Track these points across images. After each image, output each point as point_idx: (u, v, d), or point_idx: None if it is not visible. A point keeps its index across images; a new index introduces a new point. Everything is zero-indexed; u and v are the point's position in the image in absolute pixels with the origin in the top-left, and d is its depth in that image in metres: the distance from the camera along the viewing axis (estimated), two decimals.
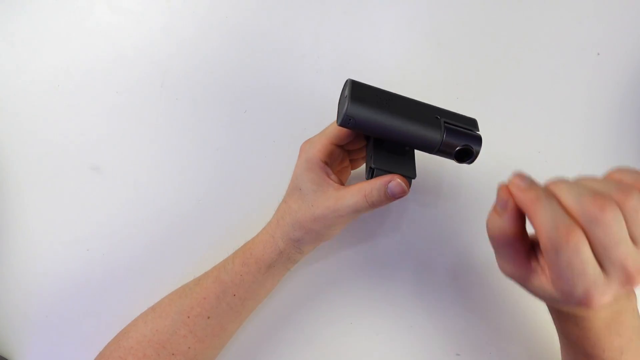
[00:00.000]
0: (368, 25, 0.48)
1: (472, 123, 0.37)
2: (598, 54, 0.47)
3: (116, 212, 0.46)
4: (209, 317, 0.38)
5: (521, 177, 0.28)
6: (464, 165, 0.45)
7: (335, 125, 0.38)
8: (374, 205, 0.35)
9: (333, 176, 0.38)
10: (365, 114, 0.33)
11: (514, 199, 0.28)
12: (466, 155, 0.35)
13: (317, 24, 0.48)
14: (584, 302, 0.25)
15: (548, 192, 0.26)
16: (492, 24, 0.47)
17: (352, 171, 0.44)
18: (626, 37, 0.47)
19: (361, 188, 0.35)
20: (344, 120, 0.34)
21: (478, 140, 0.35)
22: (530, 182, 0.28)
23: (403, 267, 0.45)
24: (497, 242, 0.29)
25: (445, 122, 0.35)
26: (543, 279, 0.27)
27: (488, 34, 0.47)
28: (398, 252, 0.45)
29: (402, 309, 0.45)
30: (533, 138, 0.46)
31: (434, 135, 0.35)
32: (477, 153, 0.35)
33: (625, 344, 0.32)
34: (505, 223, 0.28)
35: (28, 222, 0.46)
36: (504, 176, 0.44)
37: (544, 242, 0.25)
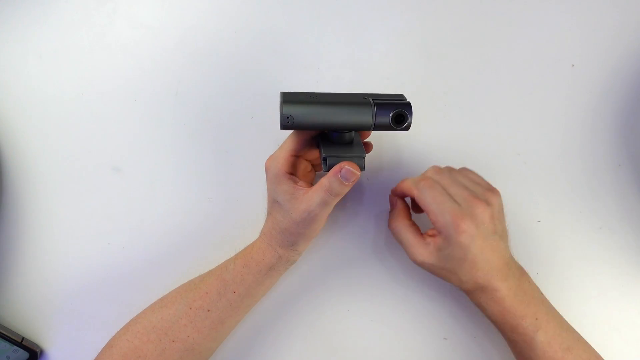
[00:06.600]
0: (363, 40, 0.50)
1: (399, 97, 0.39)
2: (573, 65, 0.49)
3: (134, 210, 0.49)
4: (209, 310, 0.41)
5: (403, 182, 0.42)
6: (448, 159, 0.48)
7: (291, 138, 0.40)
8: (337, 194, 0.37)
9: (300, 182, 0.40)
10: (300, 109, 0.36)
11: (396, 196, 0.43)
12: (402, 119, 0.37)
13: (317, 40, 0.50)
14: (454, 226, 0.36)
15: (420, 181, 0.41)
16: (475, 38, 0.50)
17: (317, 172, 0.46)
18: (599, 50, 0.49)
19: (322, 184, 0.37)
20: (283, 120, 0.36)
21: (408, 105, 0.37)
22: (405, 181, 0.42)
23: (393, 256, 0.48)
24: (401, 232, 0.41)
25: (373, 99, 0.37)
26: (434, 242, 0.38)
27: (472, 48, 0.50)
28: (386, 240, 0.48)
29: (396, 294, 0.47)
30: (514, 141, 0.49)
31: (366, 111, 0.37)
32: (410, 115, 0.37)
33: (536, 310, 0.37)
34: (400, 212, 0.42)
35: (56, 218, 0.49)
36: (496, 173, 0.46)
37: (417, 194, 0.39)
